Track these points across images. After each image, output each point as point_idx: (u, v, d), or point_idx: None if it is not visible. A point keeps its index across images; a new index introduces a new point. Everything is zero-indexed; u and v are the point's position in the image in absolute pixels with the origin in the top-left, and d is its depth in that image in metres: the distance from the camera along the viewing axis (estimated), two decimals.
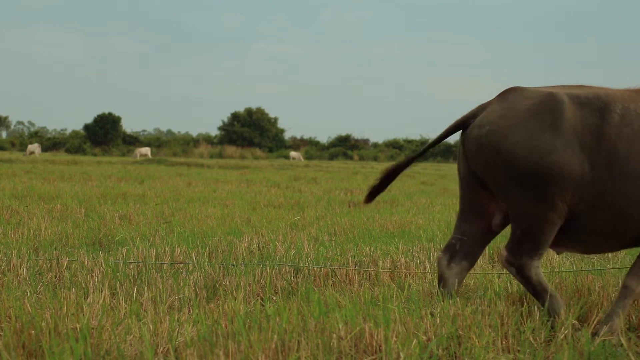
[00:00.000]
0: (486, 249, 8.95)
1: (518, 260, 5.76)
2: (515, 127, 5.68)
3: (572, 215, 5.72)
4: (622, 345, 5.31)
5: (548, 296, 5.72)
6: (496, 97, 5.98)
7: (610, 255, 9.07)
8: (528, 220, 5.72)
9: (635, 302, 6.13)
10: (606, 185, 5.58)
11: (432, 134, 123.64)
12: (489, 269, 7.99)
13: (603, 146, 5.61)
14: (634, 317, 5.92)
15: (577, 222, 5.75)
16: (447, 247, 6.14)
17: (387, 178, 6.47)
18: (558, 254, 6.31)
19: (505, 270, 7.83)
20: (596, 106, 5.70)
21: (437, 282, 6.16)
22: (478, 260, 8.43)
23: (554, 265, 8.48)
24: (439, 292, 6.03)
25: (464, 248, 6.09)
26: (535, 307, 5.77)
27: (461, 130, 6.08)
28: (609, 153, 5.61)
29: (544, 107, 5.67)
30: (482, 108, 5.98)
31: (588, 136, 5.62)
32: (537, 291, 5.77)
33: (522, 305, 5.95)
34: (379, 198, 7.79)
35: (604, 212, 5.66)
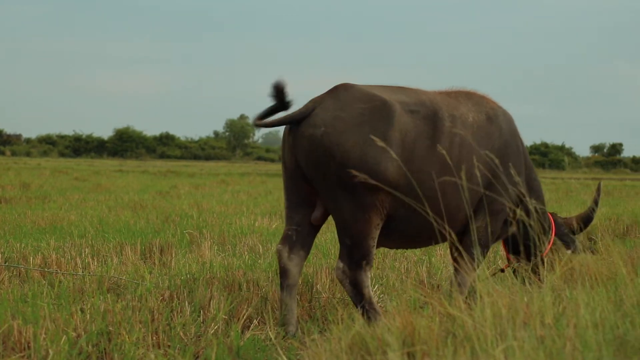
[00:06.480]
0: (141, 244, 9.00)
1: (353, 272, 5.79)
2: (350, 132, 5.63)
3: (395, 218, 5.84)
4: (270, 339, 5.52)
5: (375, 315, 5.72)
6: (328, 94, 5.86)
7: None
8: (357, 227, 5.74)
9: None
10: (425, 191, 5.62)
11: (85, 130, 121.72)
12: (141, 265, 8.01)
13: (430, 154, 5.76)
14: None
15: (399, 224, 5.88)
16: (285, 239, 6.10)
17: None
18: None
19: (157, 267, 7.91)
20: (425, 113, 5.83)
21: (280, 276, 6.07)
22: (129, 256, 8.47)
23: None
24: (281, 291, 6.00)
25: (300, 238, 6.08)
26: (186, 302, 5.87)
27: (290, 125, 5.95)
28: (435, 162, 5.76)
29: (377, 114, 5.67)
30: (314, 104, 5.83)
31: (417, 144, 5.74)
32: (365, 308, 5.76)
33: (173, 301, 6.04)
34: (30, 194, 7.65)
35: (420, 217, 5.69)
